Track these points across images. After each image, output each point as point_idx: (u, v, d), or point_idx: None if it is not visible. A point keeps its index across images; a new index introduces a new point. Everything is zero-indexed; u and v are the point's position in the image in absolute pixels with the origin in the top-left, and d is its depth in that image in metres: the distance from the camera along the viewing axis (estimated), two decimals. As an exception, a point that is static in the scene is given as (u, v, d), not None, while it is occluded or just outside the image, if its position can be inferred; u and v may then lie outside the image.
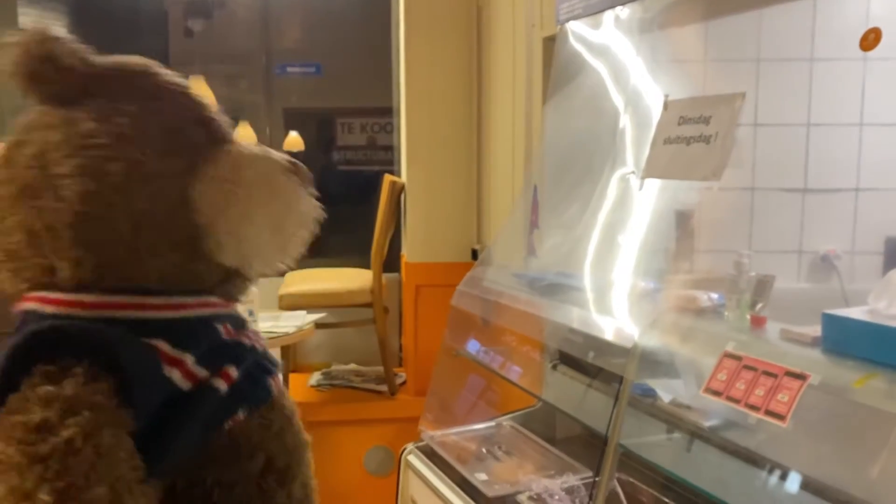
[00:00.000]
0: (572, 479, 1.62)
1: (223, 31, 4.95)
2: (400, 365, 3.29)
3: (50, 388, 0.50)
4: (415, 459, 1.87)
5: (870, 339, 1.08)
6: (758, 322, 1.28)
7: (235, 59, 5.02)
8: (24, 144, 0.57)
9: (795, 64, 2.09)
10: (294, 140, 6.61)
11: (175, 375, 0.54)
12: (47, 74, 0.58)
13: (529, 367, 1.96)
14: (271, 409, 0.60)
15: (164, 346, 0.54)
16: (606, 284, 1.71)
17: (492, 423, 2.00)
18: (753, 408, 1.10)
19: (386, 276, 3.07)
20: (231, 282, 0.62)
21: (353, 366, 3.33)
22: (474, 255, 2.79)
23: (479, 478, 1.67)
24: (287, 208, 0.59)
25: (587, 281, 1.75)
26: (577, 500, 1.53)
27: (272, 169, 0.59)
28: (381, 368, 3.00)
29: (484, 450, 1.87)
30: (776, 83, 2.07)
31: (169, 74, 0.64)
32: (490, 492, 1.60)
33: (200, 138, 0.60)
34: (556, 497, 1.54)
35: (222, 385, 0.56)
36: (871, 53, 1.86)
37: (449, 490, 1.68)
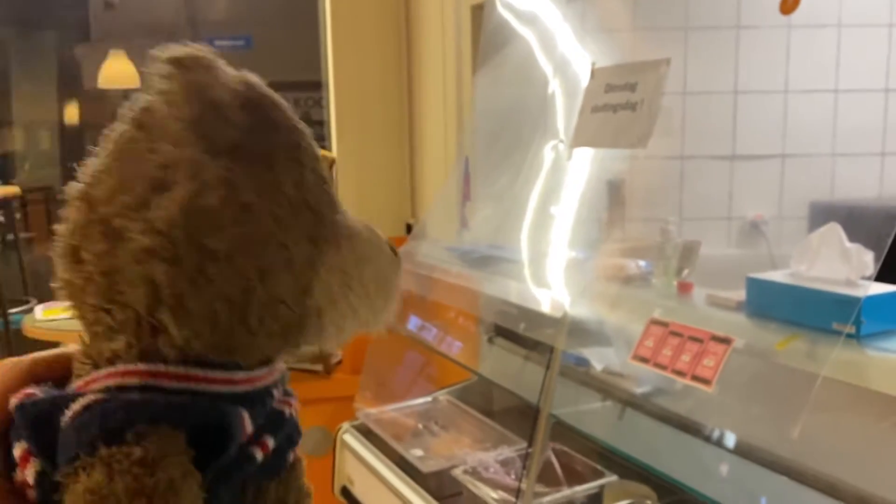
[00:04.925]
0: (507, 451, 1.62)
1: (146, 2, 4.76)
2: (337, 343, 3.25)
3: (147, 428, 0.48)
4: (350, 438, 1.85)
5: (791, 301, 1.09)
6: (684, 288, 1.28)
7: (159, 32, 4.84)
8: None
9: (722, 32, 2.11)
10: (225, 116, 6.45)
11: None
12: (214, 126, 0.50)
13: (465, 340, 1.95)
14: (279, 479, 0.58)
15: (246, 417, 0.53)
16: (538, 255, 1.70)
17: (428, 399, 1.98)
18: (680, 373, 1.11)
19: (320, 254, 3.01)
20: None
21: (288, 346, 3.27)
22: (409, 229, 2.76)
23: (414, 454, 1.65)
24: (387, 303, 0.57)
25: (519, 252, 1.74)
26: (511, 472, 1.53)
27: (389, 268, 0.57)
28: (316, 347, 2.94)
29: (420, 425, 1.85)
30: (703, 51, 2.08)
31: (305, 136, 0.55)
32: (425, 468, 1.58)
33: (325, 218, 0.55)
34: (491, 469, 1.54)
35: (259, 455, 0.54)
36: (794, 21, 1.87)
37: (385, 468, 1.66)
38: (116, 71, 4.40)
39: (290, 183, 0.53)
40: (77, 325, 0.53)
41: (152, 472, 0.46)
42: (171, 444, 0.48)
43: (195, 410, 0.51)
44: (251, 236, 0.51)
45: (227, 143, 0.50)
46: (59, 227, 0.51)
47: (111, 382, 0.51)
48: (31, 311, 3.06)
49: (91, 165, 0.51)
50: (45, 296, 3.09)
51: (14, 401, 0.51)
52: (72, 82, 5.64)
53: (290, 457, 0.60)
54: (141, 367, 0.51)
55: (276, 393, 0.59)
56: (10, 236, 3.39)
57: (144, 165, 0.49)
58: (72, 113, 6.05)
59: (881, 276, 1.03)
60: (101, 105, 5.69)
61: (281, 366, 0.59)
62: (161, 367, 0.51)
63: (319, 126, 4.42)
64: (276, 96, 0.54)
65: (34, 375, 0.53)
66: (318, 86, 3.78)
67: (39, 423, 0.50)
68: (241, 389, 0.54)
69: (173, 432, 0.49)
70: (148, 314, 0.50)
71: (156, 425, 0.48)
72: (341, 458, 1.88)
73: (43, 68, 5.82)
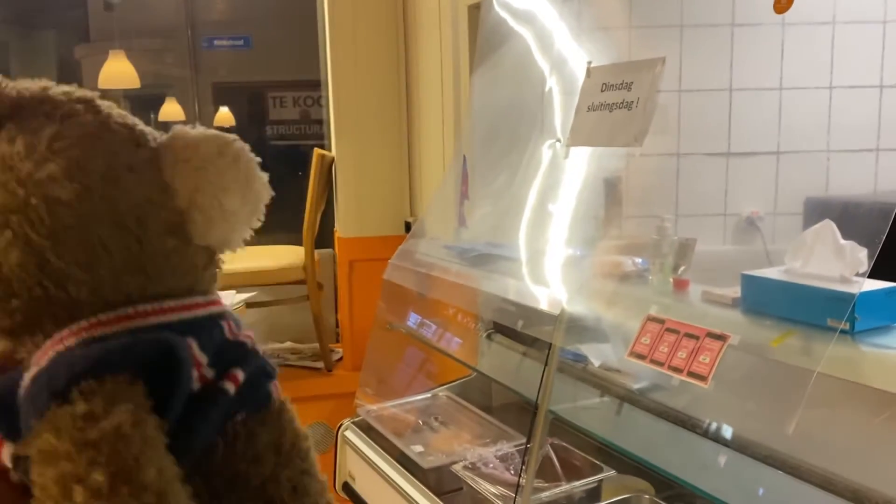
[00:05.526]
0: (506, 447, 1.63)
1: (145, 4, 4.76)
2: (337, 341, 3.27)
3: (92, 383, 0.50)
4: (351, 435, 1.86)
5: (786, 297, 1.10)
6: (680, 285, 1.29)
7: (159, 33, 4.84)
8: None
9: (717, 30, 2.12)
10: (224, 116, 6.45)
11: (194, 376, 0.55)
12: None
13: (464, 337, 1.96)
14: (269, 413, 0.60)
15: (193, 345, 0.55)
16: (536, 253, 1.71)
17: (428, 395, 2.00)
18: (676, 370, 1.12)
19: (320, 252, 3.03)
20: (209, 272, 0.61)
21: (288, 344, 3.29)
22: (408, 227, 2.77)
23: (414, 450, 1.66)
24: (249, 172, 0.59)
25: (517, 250, 1.75)
26: (511, 467, 1.54)
27: (223, 140, 0.59)
28: (317, 345, 2.97)
29: (420, 421, 1.87)
30: (699, 49, 2.09)
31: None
32: (425, 463, 1.60)
33: (144, 143, 0.59)
34: (491, 465, 1.55)
35: (231, 387, 0.56)
36: (788, 19, 1.88)
37: (385, 464, 1.68)
38: (116, 71, 4.40)
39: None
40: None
41: (96, 423, 0.48)
42: (119, 394, 0.50)
43: (137, 346, 0.52)
44: (77, 155, 0.53)
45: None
46: None
47: (53, 351, 0.53)
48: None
49: None
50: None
51: None
52: (72, 83, 5.64)
53: (272, 391, 0.60)
54: (74, 327, 0.53)
55: (226, 325, 0.59)
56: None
57: None
58: (71, 113, 6.02)
59: (875, 273, 1.04)
60: (101, 105, 5.66)
61: (221, 300, 0.61)
62: (92, 320, 0.53)
63: (319, 125, 4.43)
64: None
65: None
66: (317, 85, 3.79)
67: (2, 409, 0.53)
68: (175, 317, 0.56)
69: (123, 383, 0.51)
70: (39, 270, 0.51)
71: (101, 379, 0.50)
72: (342, 454, 1.90)
73: (43, 69, 5.83)
